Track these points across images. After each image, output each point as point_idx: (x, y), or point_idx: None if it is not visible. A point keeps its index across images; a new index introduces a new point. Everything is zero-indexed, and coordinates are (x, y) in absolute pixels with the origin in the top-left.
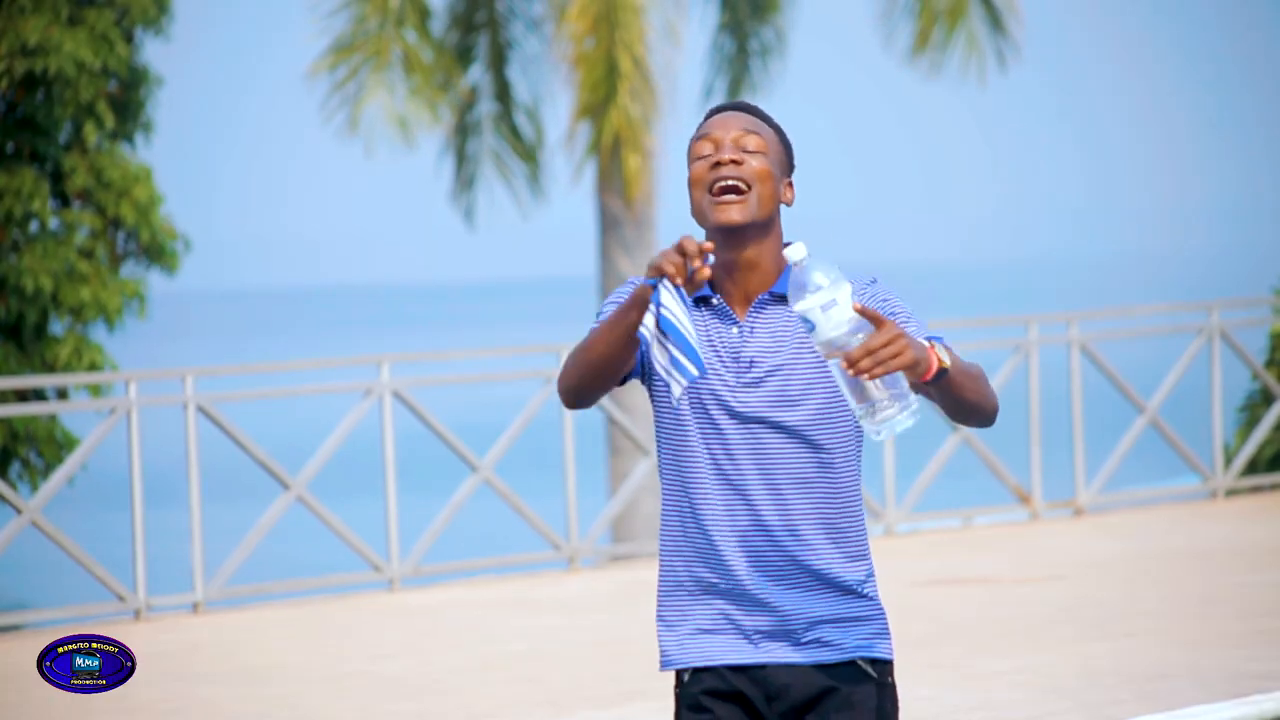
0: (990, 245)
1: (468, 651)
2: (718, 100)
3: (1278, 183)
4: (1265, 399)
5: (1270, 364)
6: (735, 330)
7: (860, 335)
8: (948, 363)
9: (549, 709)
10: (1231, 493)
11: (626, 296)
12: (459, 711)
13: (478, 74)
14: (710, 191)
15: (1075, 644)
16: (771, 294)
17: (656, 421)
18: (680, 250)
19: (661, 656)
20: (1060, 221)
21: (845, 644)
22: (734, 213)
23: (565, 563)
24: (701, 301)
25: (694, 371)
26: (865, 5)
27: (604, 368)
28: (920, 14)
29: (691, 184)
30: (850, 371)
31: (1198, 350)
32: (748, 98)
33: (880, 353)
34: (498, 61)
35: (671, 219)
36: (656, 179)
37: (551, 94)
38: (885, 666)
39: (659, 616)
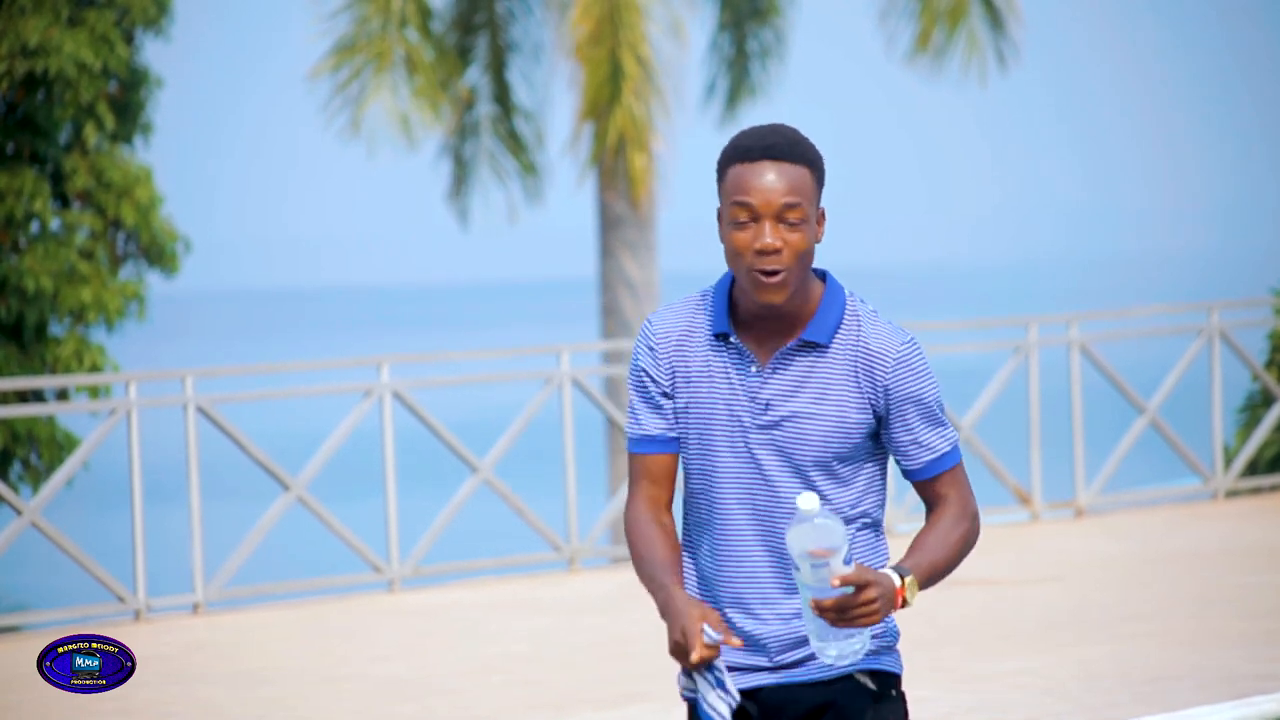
0: (990, 246)
1: (468, 653)
2: (719, 102)
3: (1277, 183)
4: (1265, 400)
5: (1270, 365)
6: (754, 369)
7: (837, 592)
8: (912, 600)
9: (549, 710)
10: (1231, 494)
11: (658, 600)
12: (459, 713)
13: (476, 75)
14: (751, 267)
15: (1075, 645)
16: (802, 340)
17: (683, 463)
18: (704, 663)
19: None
20: (1060, 222)
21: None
22: (776, 296)
23: (565, 564)
24: (721, 339)
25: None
26: (865, 6)
27: None
28: (921, 15)
29: (729, 251)
30: (815, 614)
31: (1198, 351)
32: (748, 99)
33: (850, 613)
34: (497, 64)
35: (673, 217)
36: (659, 178)
37: (551, 97)
38: (888, 679)
39: None
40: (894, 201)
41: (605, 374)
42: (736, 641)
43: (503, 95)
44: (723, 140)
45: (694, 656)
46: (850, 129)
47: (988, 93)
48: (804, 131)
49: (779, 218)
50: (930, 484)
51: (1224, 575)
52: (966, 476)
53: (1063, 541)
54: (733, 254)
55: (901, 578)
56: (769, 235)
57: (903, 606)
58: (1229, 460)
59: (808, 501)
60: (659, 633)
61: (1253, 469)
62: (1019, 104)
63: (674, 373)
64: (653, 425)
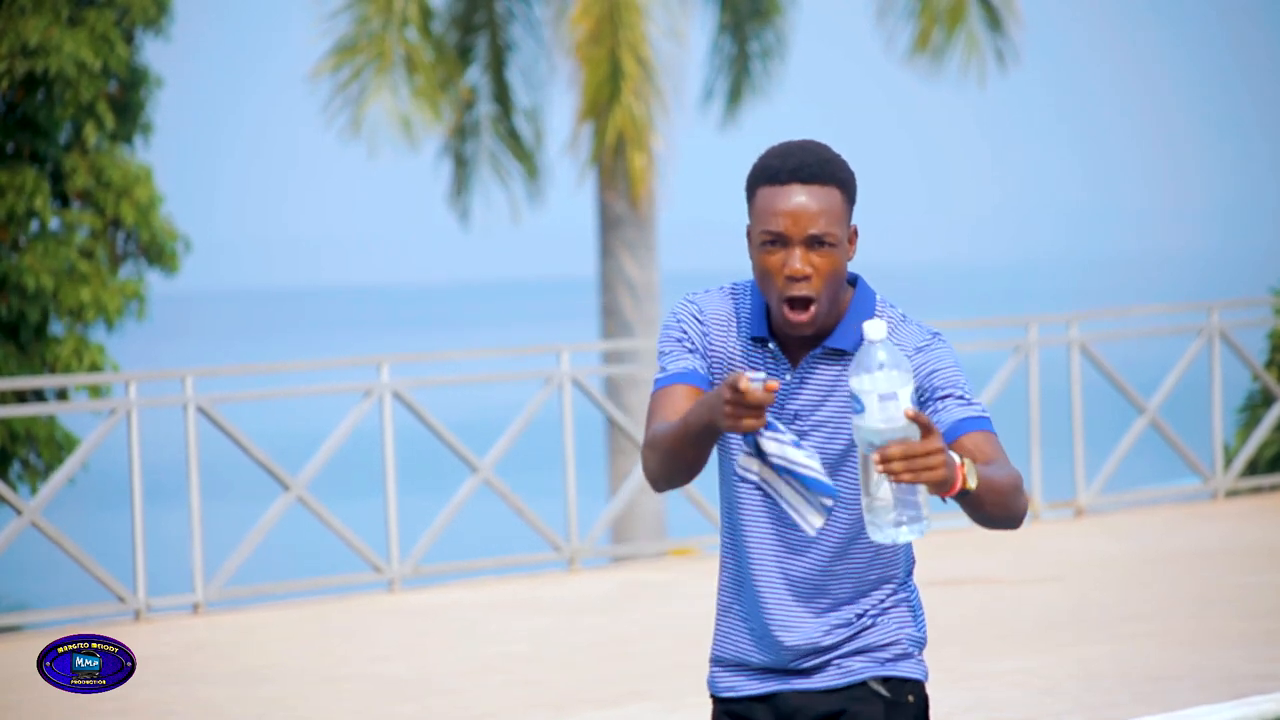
0: (990, 246)
1: (468, 652)
2: (719, 102)
3: (1277, 183)
4: (1265, 399)
5: (1270, 364)
6: (788, 377)
7: (900, 436)
8: (972, 485)
9: (549, 710)
10: (1231, 493)
11: (700, 417)
12: (459, 713)
13: (476, 75)
14: (781, 294)
15: (1074, 645)
16: (825, 348)
17: (719, 473)
18: (755, 404)
19: (708, 682)
20: (1060, 222)
21: (854, 666)
22: (806, 328)
23: (565, 563)
24: (758, 342)
25: (829, 502)
26: (865, 6)
27: (693, 468)
28: (920, 15)
29: (759, 273)
30: (879, 467)
31: (1198, 351)
32: (749, 99)
33: (916, 461)
34: (497, 63)
35: (673, 217)
36: (659, 178)
37: (551, 96)
38: (903, 685)
39: (712, 644)
40: (894, 202)
41: (605, 374)
42: (774, 383)
43: (503, 95)
44: (724, 141)
45: (743, 384)
46: (850, 130)
47: (987, 93)
48: (802, 133)
49: (808, 244)
50: (961, 442)
51: (1224, 575)
52: (1004, 451)
53: (1062, 541)
54: (762, 276)
55: (960, 459)
56: (798, 261)
57: (961, 490)
58: (1229, 460)
59: (875, 329)
60: (659, 632)
61: (1253, 469)
62: (1019, 104)
63: (713, 356)
64: (694, 364)
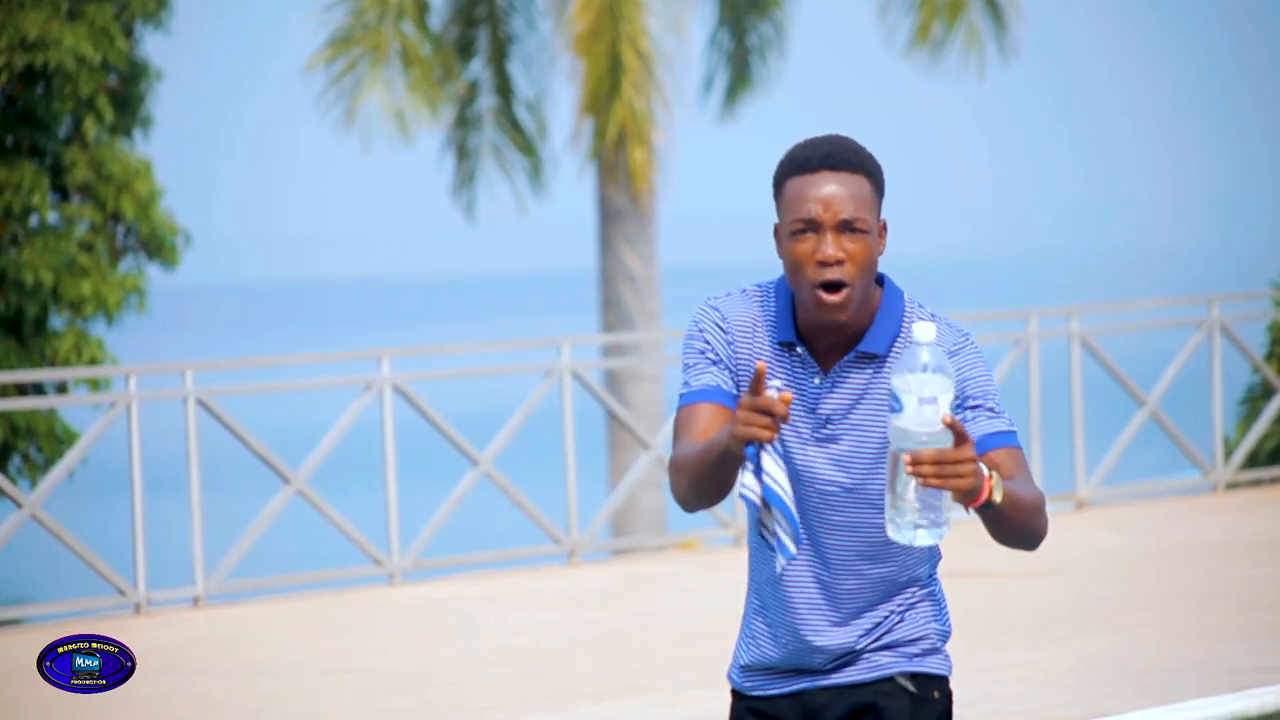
0: (990, 239)
1: (467, 646)
2: (718, 96)
3: (1277, 178)
4: (1265, 392)
5: (1270, 357)
6: (817, 381)
7: (934, 440)
8: (998, 499)
9: (549, 703)
10: (1231, 486)
11: (719, 440)
12: (459, 706)
13: (478, 68)
14: (813, 282)
15: (1075, 638)
16: (858, 353)
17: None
18: (769, 412)
19: (730, 677)
20: (1060, 216)
21: (882, 661)
22: (840, 313)
23: (565, 557)
24: (785, 347)
25: (793, 550)
26: (865, 0)
27: (722, 490)
28: (920, 7)
29: (790, 266)
30: (909, 469)
31: (1198, 344)
32: (748, 93)
33: (947, 468)
34: (498, 56)
35: (673, 211)
36: (659, 172)
37: (552, 89)
38: (930, 682)
39: (737, 643)
40: (892, 196)
41: (605, 367)
42: (788, 395)
43: (505, 87)
44: (722, 134)
45: (764, 399)
46: (849, 124)
47: (986, 87)
48: (801, 127)
49: (840, 229)
50: (988, 457)
51: (1224, 568)
52: (1029, 469)
53: (1063, 534)
54: (793, 268)
55: (989, 471)
56: (830, 246)
57: (987, 500)
58: (1229, 453)
59: (924, 331)
60: (659, 626)
61: (1253, 461)
62: (1019, 98)
63: (739, 364)
64: (718, 379)
